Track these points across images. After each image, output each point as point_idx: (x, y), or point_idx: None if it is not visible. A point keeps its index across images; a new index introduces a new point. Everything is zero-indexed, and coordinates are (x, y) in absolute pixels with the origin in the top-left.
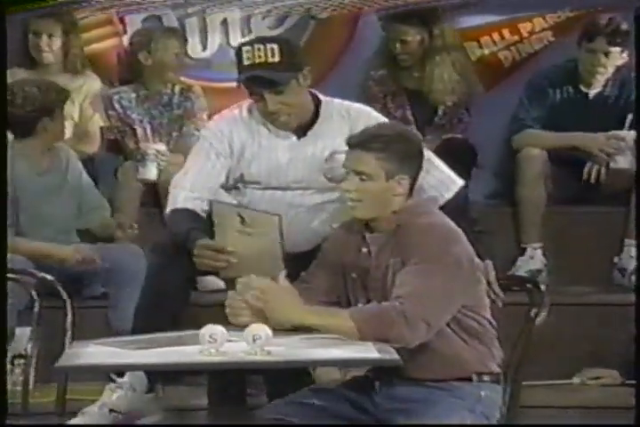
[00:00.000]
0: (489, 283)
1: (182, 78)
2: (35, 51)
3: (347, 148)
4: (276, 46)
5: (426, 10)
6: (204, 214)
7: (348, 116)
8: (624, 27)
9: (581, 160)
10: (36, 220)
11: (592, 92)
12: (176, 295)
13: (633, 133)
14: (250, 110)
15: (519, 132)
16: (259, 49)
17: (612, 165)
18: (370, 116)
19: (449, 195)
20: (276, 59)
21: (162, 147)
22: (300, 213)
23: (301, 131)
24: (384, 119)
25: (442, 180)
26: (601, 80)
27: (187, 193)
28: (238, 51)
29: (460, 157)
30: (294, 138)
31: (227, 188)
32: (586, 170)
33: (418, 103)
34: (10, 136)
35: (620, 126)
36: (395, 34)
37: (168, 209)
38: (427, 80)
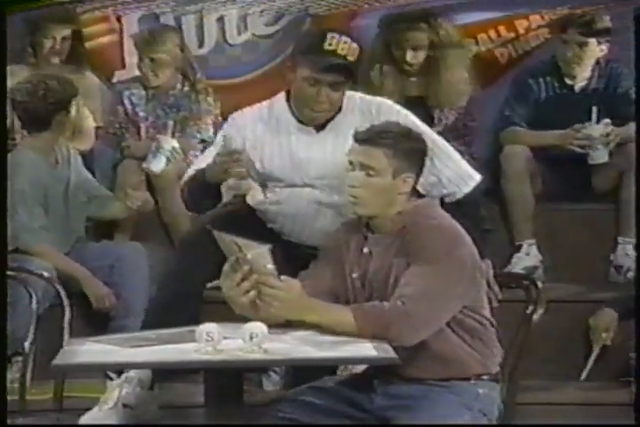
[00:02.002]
0: (487, 281)
1: (179, 77)
2: (46, 52)
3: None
4: (358, 49)
5: (427, 10)
6: None
7: (369, 111)
8: (599, 19)
9: (573, 157)
10: (51, 215)
11: (578, 86)
12: (192, 298)
13: (599, 127)
14: (270, 107)
15: (505, 128)
16: (345, 42)
17: (589, 161)
18: (392, 110)
19: (466, 189)
20: (353, 59)
21: (177, 144)
22: (328, 211)
23: (320, 124)
24: (406, 112)
25: (460, 174)
26: (585, 73)
27: None
28: (322, 35)
29: None
30: (313, 131)
31: (261, 185)
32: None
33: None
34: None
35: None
36: (403, 40)
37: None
38: (434, 84)
